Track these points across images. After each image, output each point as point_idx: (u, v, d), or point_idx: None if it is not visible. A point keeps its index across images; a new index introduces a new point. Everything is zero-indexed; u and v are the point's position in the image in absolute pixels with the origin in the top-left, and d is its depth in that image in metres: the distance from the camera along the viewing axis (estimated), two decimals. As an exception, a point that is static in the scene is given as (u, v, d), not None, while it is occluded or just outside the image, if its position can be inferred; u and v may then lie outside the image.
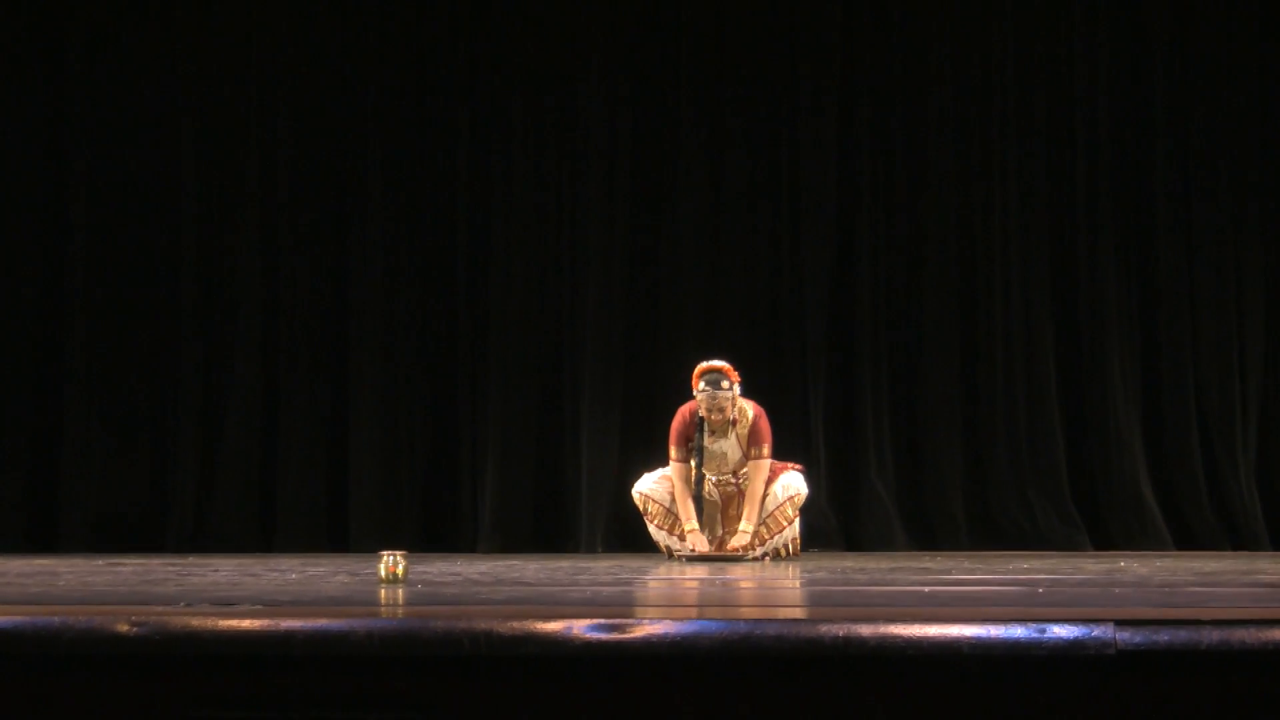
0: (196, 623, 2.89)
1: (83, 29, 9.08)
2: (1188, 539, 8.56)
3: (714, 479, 6.95)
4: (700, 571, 5.86)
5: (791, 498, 6.86)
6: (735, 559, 6.73)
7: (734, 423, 6.90)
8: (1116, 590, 4.25)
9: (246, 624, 2.88)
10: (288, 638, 2.85)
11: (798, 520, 6.94)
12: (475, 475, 8.80)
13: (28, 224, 9.05)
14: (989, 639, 2.75)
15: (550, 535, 8.68)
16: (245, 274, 8.99)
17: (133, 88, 9.07)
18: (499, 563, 6.79)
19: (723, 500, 6.97)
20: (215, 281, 9.02)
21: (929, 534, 8.68)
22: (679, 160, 8.95)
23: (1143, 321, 8.86)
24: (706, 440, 6.87)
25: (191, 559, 7.33)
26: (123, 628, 2.87)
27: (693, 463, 6.88)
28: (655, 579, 5.21)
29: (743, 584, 4.84)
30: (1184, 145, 8.89)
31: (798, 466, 7.07)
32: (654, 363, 8.74)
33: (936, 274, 8.88)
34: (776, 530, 6.84)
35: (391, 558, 4.78)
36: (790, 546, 6.95)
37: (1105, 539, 8.57)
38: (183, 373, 8.94)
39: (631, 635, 2.79)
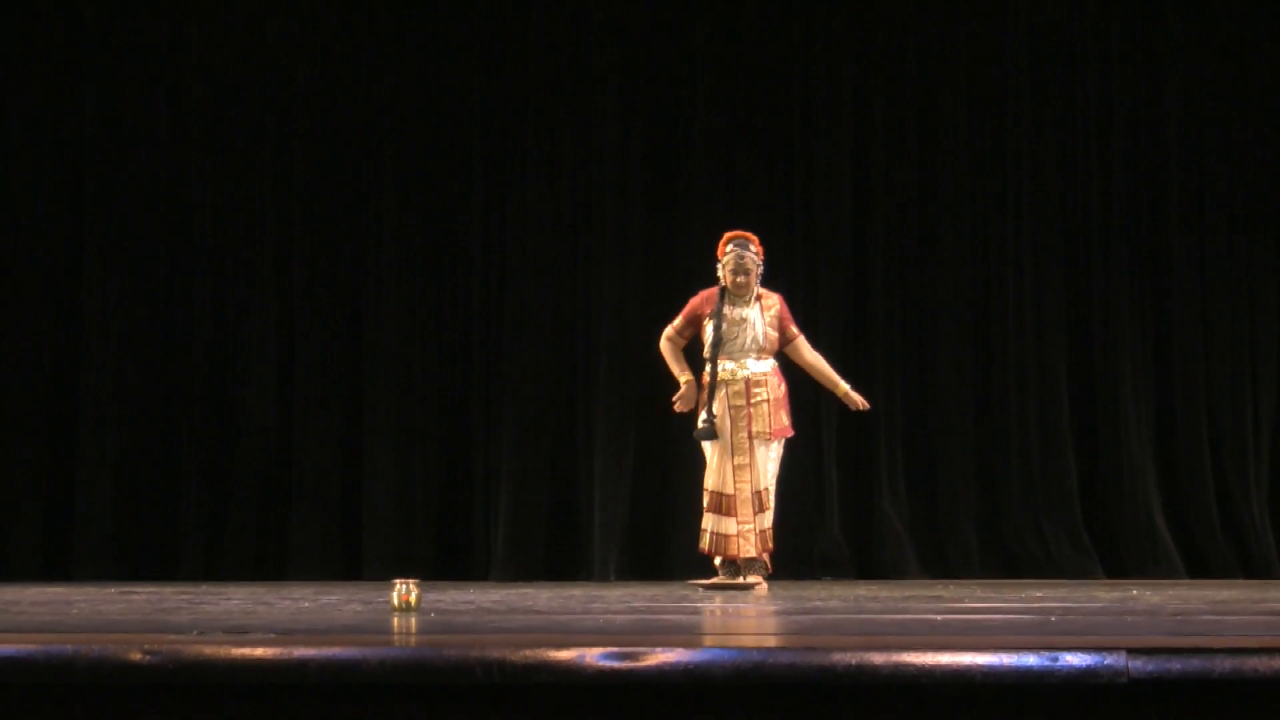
0: (210, 651, 2.90)
1: (96, 44, 9.13)
2: (1200, 567, 8.55)
3: (730, 365, 6.81)
4: (713, 600, 5.85)
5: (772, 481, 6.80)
6: (747, 588, 6.71)
7: (758, 297, 6.87)
8: (1129, 618, 4.24)
9: (260, 652, 2.88)
10: (301, 666, 2.85)
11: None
12: (488, 504, 8.81)
13: (43, 251, 9.08)
14: (1001, 667, 2.75)
15: (563, 564, 8.68)
16: (259, 304, 9.03)
17: (146, 120, 9.12)
18: (511, 591, 6.78)
19: (731, 419, 6.83)
20: (229, 312, 9.05)
21: (942, 562, 8.68)
22: (692, 185, 8.98)
23: (1155, 349, 8.87)
24: (727, 309, 6.82)
25: (205, 587, 7.33)
26: (136, 656, 2.87)
27: (708, 358, 6.82)
28: (668, 607, 5.20)
29: (755, 612, 4.83)
30: (1197, 173, 8.91)
31: (787, 431, 6.91)
32: (667, 392, 8.74)
33: (950, 301, 8.90)
34: (762, 508, 6.76)
35: (404, 586, 4.77)
36: (766, 535, 6.79)
37: (1118, 567, 8.56)
38: (197, 401, 8.97)
39: (644, 664, 2.79)
